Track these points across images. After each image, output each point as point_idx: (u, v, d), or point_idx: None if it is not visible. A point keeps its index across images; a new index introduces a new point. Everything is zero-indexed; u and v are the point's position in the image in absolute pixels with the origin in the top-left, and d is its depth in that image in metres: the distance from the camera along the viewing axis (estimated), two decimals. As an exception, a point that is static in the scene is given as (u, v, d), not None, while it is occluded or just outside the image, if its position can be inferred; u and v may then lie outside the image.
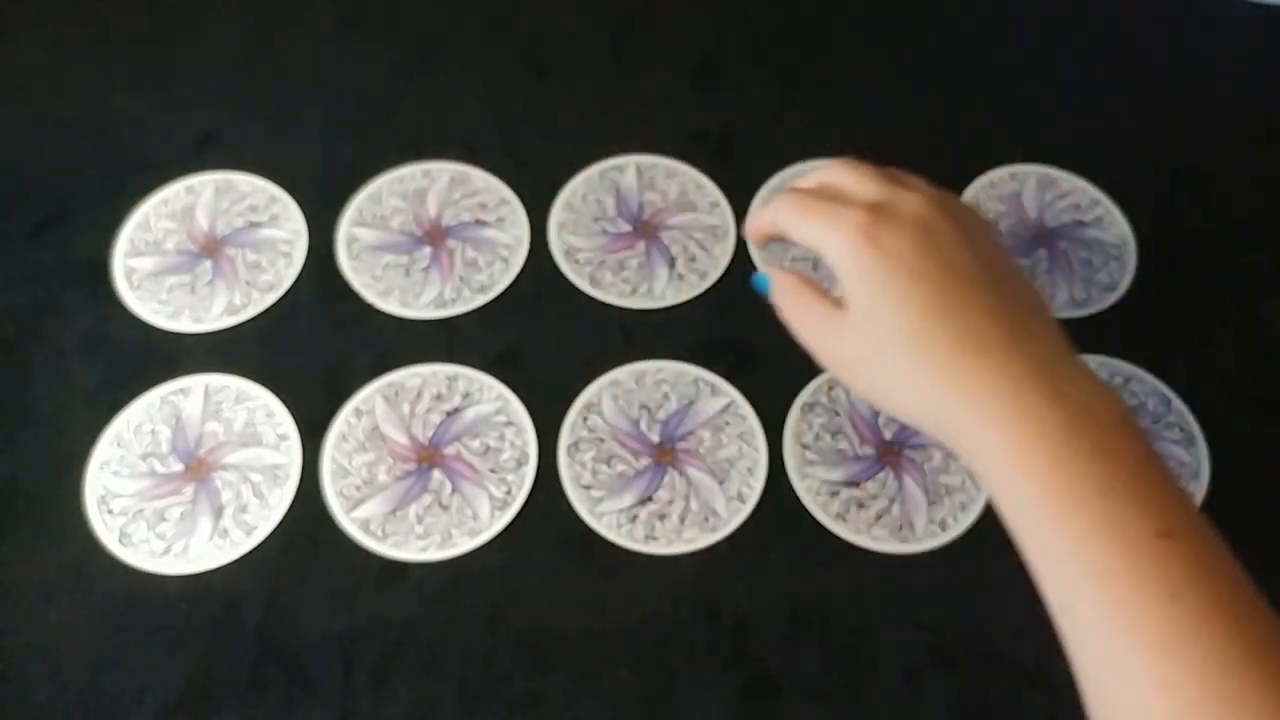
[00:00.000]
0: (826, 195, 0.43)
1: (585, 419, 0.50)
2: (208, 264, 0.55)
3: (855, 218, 0.40)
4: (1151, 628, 0.32)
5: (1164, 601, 0.32)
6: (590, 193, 0.57)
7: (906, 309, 0.39)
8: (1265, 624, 0.33)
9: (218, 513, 0.48)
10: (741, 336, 0.53)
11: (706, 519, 0.48)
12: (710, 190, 0.57)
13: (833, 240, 0.40)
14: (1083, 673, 0.34)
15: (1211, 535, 0.35)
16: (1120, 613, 0.33)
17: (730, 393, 0.51)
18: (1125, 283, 0.55)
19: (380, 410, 0.50)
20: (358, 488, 0.48)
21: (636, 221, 0.56)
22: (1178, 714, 0.31)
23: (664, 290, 0.54)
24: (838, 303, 0.41)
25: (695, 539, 0.48)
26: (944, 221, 0.40)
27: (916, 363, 0.38)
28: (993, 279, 0.40)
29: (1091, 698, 0.34)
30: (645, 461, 0.49)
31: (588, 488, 0.49)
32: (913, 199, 0.41)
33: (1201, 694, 0.31)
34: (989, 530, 0.47)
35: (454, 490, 0.48)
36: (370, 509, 0.48)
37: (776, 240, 0.45)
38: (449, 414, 0.50)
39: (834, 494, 0.49)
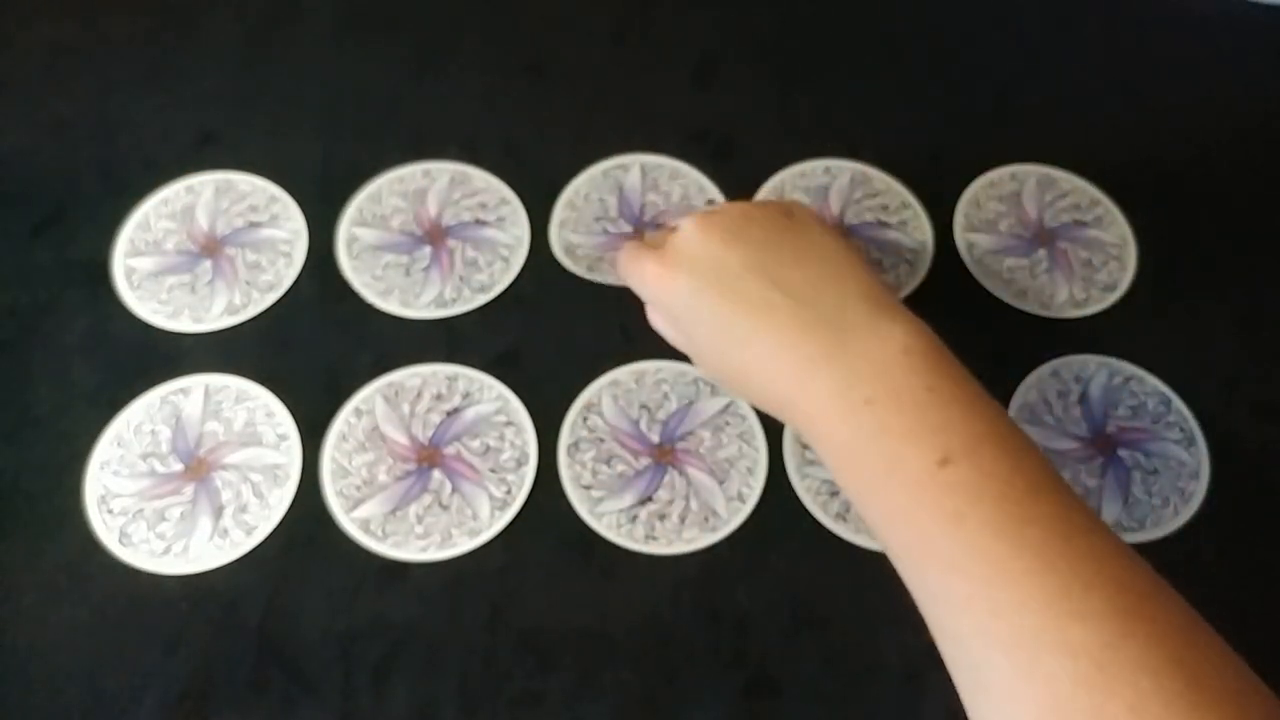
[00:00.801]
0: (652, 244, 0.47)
1: (585, 419, 0.50)
2: (208, 264, 0.55)
3: (648, 261, 0.45)
4: (942, 552, 0.34)
5: (949, 524, 0.34)
6: (593, 191, 0.57)
7: (701, 311, 0.43)
8: (1049, 526, 0.34)
9: (218, 513, 0.48)
10: (741, 336, 0.53)
11: (706, 519, 0.48)
12: (711, 191, 0.57)
13: (633, 284, 0.47)
14: (920, 608, 0.36)
15: (1000, 447, 0.36)
16: (917, 546, 0.35)
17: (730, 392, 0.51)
18: (1125, 283, 0.55)
19: (380, 410, 0.50)
20: (358, 488, 0.48)
21: (638, 222, 0.56)
22: (978, 630, 0.33)
23: (664, 290, 0.54)
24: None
25: (695, 539, 0.48)
26: (716, 223, 0.44)
27: (727, 353, 0.43)
28: (778, 258, 0.42)
29: (931, 630, 0.36)
30: (645, 461, 0.49)
31: (588, 488, 0.49)
32: (693, 218, 0.45)
33: (993, 609, 0.32)
34: (989, 530, 0.47)
35: (454, 490, 0.48)
36: (370, 509, 0.48)
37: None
38: (449, 414, 0.50)
39: (834, 494, 0.49)
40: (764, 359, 0.41)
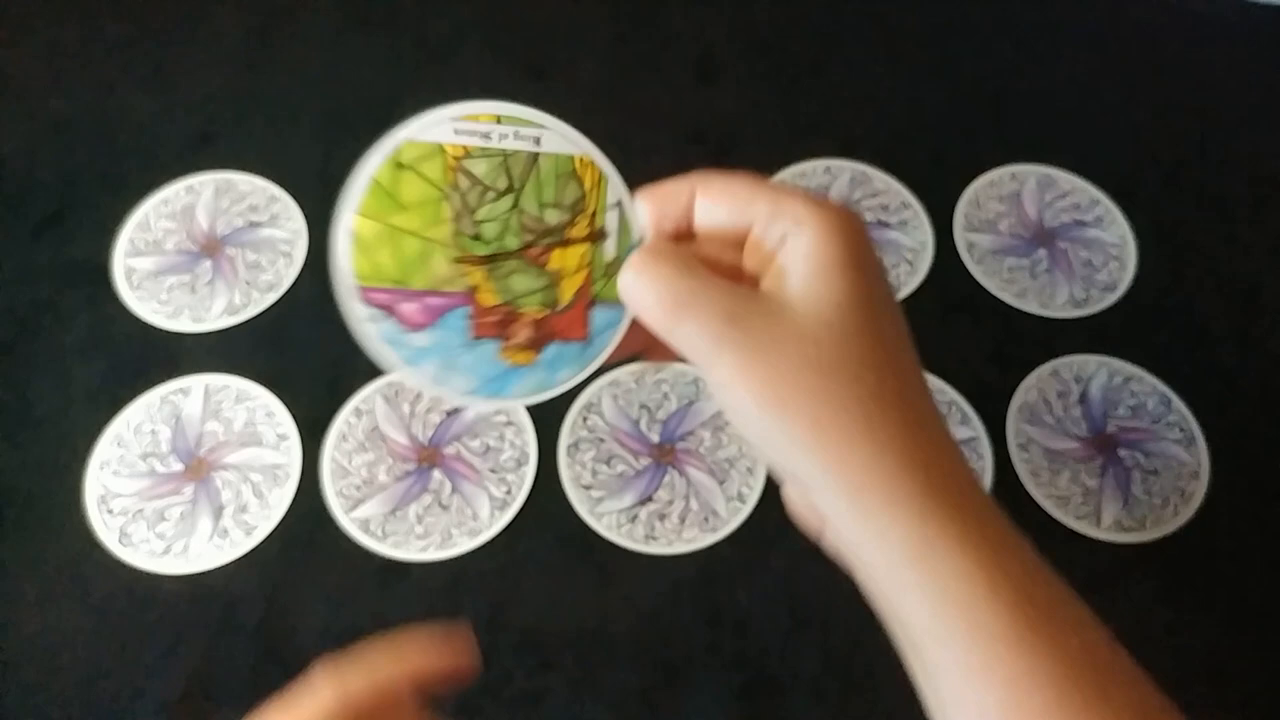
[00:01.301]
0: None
1: (585, 419, 0.50)
2: (208, 264, 0.55)
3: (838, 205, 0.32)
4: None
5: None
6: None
7: (881, 325, 0.31)
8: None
9: (218, 513, 0.48)
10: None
11: (706, 519, 0.48)
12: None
13: (827, 215, 0.30)
14: None
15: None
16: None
17: (730, 393, 0.51)
18: (1125, 283, 0.55)
19: (380, 410, 0.50)
20: (358, 488, 0.48)
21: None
22: None
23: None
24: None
25: (695, 539, 0.47)
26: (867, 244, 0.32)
27: (862, 400, 0.29)
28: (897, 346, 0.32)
29: None
30: (645, 461, 0.49)
31: (588, 488, 0.49)
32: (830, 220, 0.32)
33: None
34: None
35: (454, 490, 0.48)
36: (370, 509, 0.48)
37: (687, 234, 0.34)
38: (449, 414, 0.50)
39: (834, 494, 0.48)
40: (920, 457, 0.29)
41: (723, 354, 0.29)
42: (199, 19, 0.63)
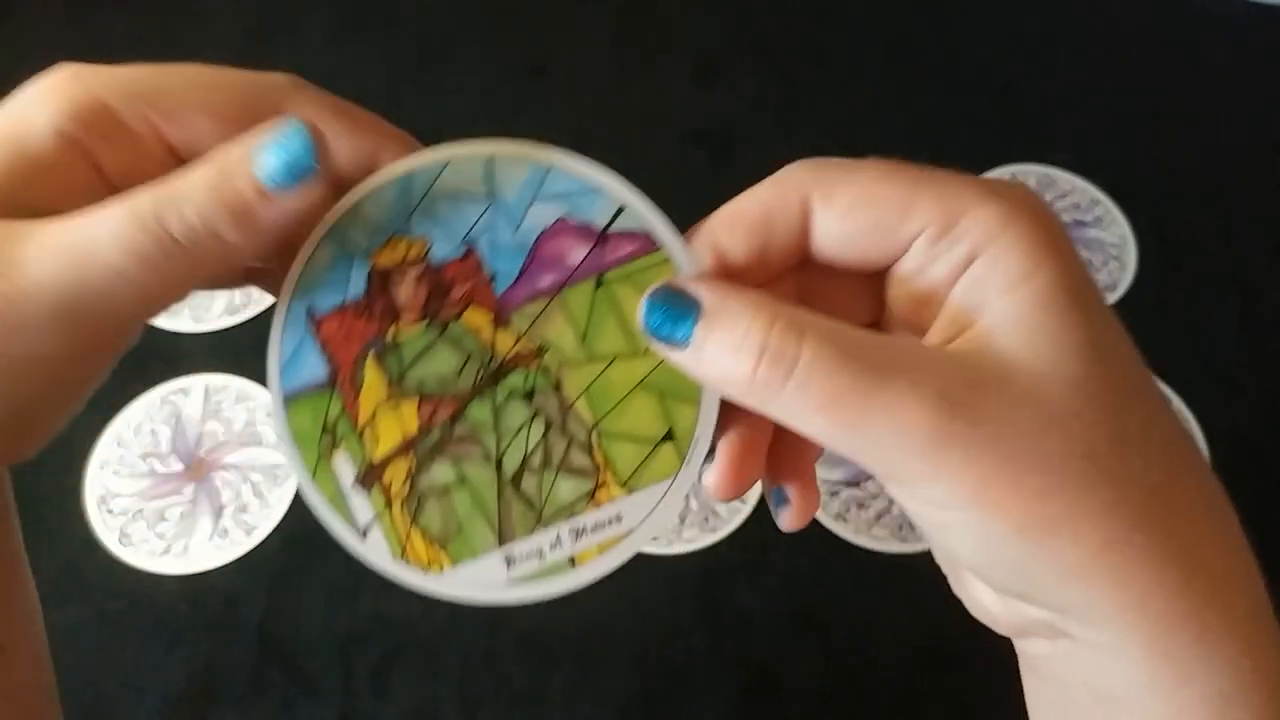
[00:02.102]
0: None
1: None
2: (208, 264, 0.55)
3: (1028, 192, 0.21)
4: None
5: None
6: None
7: (1135, 376, 0.21)
8: None
9: (218, 513, 0.48)
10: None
11: (706, 519, 0.48)
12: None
13: (1027, 217, 0.21)
14: None
15: None
16: None
17: (730, 393, 0.51)
18: (1125, 283, 0.55)
19: (380, 410, 0.50)
20: (358, 488, 0.48)
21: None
22: None
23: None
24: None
25: (695, 539, 0.47)
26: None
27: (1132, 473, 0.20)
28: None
29: None
30: (645, 461, 0.49)
31: (588, 488, 0.49)
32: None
33: None
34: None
35: (454, 490, 0.48)
36: (370, 509, 0.48)
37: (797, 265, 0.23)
38: (449, 414, 0.50)
39: (834, 494, 0.48)
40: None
41: (948, 459, 0.19)
42: (199, 19, 0.63)
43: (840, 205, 0.22)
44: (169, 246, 0.21)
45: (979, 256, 0.21)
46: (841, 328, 0.20)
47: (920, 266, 0.21)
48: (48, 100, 0.22)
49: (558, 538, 0.23)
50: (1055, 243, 0.20)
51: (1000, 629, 0.24)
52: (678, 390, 0.22)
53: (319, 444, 0.23)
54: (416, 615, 0.46)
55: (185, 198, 0.21)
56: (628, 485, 0.23)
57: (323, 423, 0.23)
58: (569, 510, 0.23)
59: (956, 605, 0.49)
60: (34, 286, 0.21)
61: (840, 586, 0.47)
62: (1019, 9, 0.64)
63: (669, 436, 0.22)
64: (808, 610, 0.46)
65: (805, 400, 0.19)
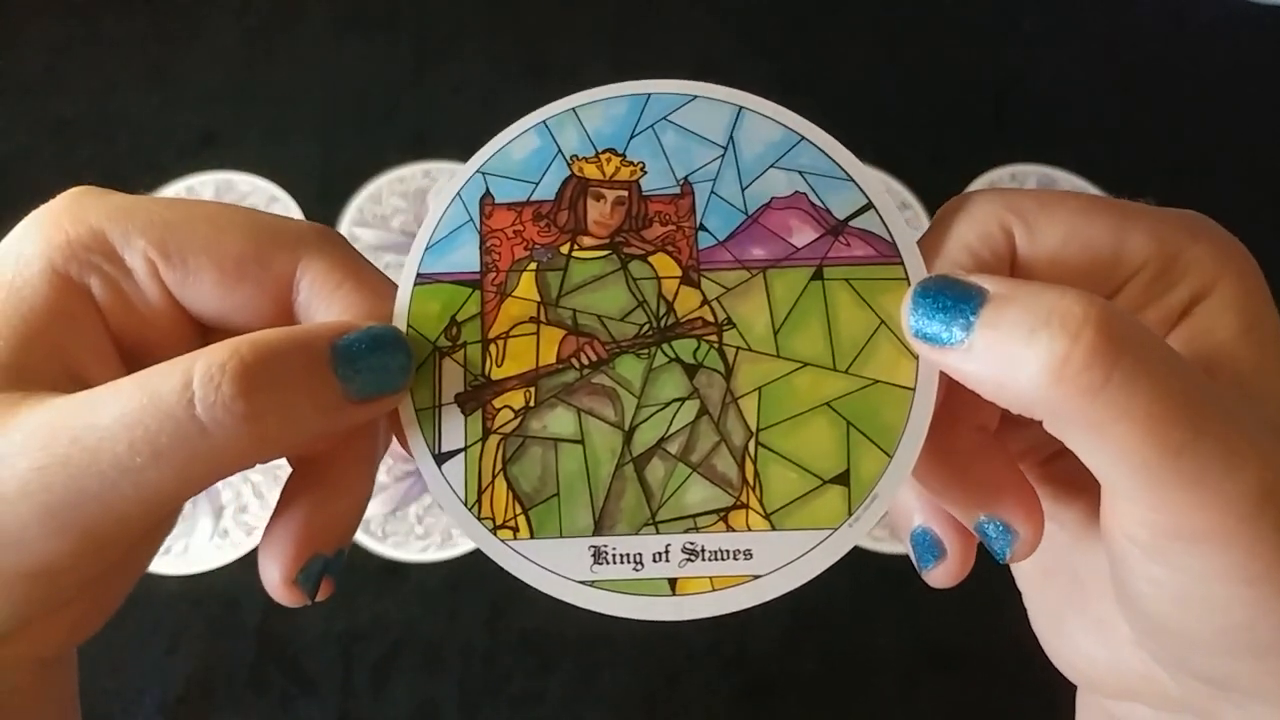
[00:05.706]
0: None
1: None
2: (208, 264, 0.55)
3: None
4: None
5: None
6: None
7: None
8: None
9: (218, 513, 0.48)
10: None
11: (706, 519, 0.48)
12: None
13: (1240, 257, 0.21)
14: None
15: None
16: None
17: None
18: (1125, 283, 0.55)
19: (380, 410, 0.50)
20: (358, 488, 0.48)
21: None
22: None
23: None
24: None
25: (695, 539, 0.47)
26: None
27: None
28: None
29: None
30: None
31: (587, 488, 0.48)
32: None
33: None
34: (989, 530, 0.47)
35: (454, 490, 0.48)
36: (370, 509, 0.48)
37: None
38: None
39: (834, 494, 0.48)
40: None
41: (1266, 518, 0.17)
42: (199, 19, 0.63)
43: (1048, 244, 0.19)
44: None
45: (1202, 300, 0.19)
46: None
47: (1133, 309, 0.19)
48: (40, 234, 0.21)
49: (666, 549, 0.19)
50: (1260, 283, 0.20)
51: (1095, 686, 0.22)
52: (872, 427, 0.19)
53: (436, 337, 0.20)
54: (416, 615, 0.46)
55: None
56: (772, 519, 0.19)
57: (451, 316, 0.20)
58: (691, 521, 0.19)
59: (956, 605, 0.49)
60: (18, 485, 0.17)
61: (840, 586, 0.47)
62: (1019, 9, 0.64)
63: (842, 480, 0.19)
64: (807, 610, 0.46)
65: (1133, 402, 0.16)
